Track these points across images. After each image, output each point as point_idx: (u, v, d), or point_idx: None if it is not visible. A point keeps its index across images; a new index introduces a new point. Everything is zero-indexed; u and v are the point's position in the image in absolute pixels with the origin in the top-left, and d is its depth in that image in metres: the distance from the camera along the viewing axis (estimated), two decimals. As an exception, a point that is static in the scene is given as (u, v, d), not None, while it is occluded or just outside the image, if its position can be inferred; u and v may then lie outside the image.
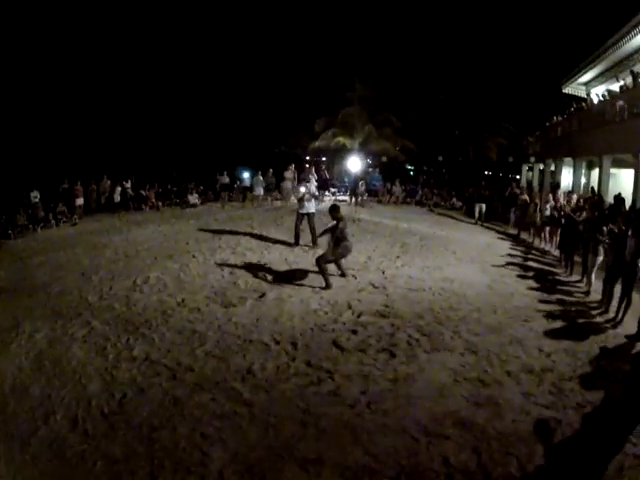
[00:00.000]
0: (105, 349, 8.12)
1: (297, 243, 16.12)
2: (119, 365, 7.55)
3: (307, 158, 47.36)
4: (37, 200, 21.99)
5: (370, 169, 40.73)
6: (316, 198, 16.59)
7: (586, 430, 6.18)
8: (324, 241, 13.67)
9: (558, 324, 10.04)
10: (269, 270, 13.15)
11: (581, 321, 10.39)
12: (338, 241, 12.08)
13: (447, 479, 5.25)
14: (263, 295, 11.11)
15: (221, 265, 13.54)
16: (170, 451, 5.43)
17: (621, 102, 21.44)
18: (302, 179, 26.26)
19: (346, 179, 37.48)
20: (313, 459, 5.41)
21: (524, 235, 21.10)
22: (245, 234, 17.88)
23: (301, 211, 15.87)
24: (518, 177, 43.78)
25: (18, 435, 5.81)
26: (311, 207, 15.94)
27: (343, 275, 12.78)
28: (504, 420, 6.30)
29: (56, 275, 12.54)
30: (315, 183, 29.09)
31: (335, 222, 12.31)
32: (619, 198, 17.65)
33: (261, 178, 29.00)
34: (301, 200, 15.87)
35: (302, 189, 16.06)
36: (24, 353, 7.99)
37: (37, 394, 6.66)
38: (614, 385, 7.46)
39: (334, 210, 12.47)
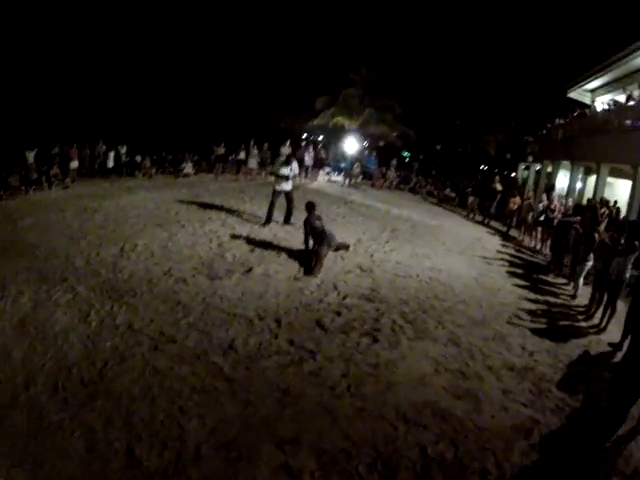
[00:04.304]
0: (89, 316, 8.02)
1: (268, 221, 15.39)
2: (102, 333, 7.48)
3: (304, 136, 47.19)
4: (32, 161, 21.62)
5: (366, 152, 40.69)
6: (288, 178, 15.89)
7: (564, 434, 6.23)
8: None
9: (542, 324, 10.17)
10: (258, 244, 13.09)
11: (565, 324, 10.51)
12: (319, 239, 11.97)
13: (423, 469, 5.27)
14: (250, 270, 11.07)
15: (210, 237, 13.46)
16: (148, 424, 5.41)
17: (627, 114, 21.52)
18: (297, 156, 26.15)
19: (341, 160, 37.40)
20: (290, 439, 5.41)
21: (515, 232, 21.22)
22: (236, 207, 17.79)
23: (277, 188, 15.24)
24: (513, 174, 43.87)
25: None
26: (288, 185, 15.30)
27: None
28: (483, 414, 6.37)
29: (45, 238, 12.32)
30: (309, 161, 29.08)
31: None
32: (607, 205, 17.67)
33: (256, 152, 28.86)
34: (279, 178, 15.27)
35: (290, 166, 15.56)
36: (8, 316, 7.88)
37: (19, 359, 6.56)
38: (594, 391, 7.54)
39: (309, 207, 12.35)
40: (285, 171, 15.07)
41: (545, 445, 5.92)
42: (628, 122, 20.81)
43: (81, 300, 8.62)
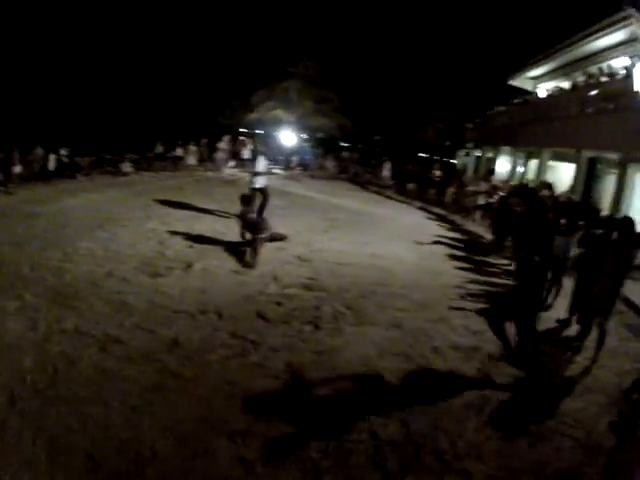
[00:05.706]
0: (37, 322, 7.89)
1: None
2: (51, 338, 7.41)
3: (243, 130, 46.99)
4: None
5: (305, 144, 40.90)
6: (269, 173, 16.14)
7: (516, 409, 6.52)
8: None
9: (486, 304, 10.45)
10: (197, 240, 13.34)
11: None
12: (255, 230, 12.33)
13: (376, 451, 5.42)
14: (190, 265, 11.26)
15: (150, 235, 13.62)
16: (103, 426, 5.43)
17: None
18: (237, 151, 26.38)
19: (279, 152, 37.52)
20: (242, 431, 5.52)
21: (455, 217, 21.63)
22: (175, 204, 18.03)
23: (255, 186, 15.45)
24: (454, 161, 44.54)
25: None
26: (264, 180, 15.65)
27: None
28: (431, 395, 6.58)
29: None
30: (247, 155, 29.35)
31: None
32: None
33: (194, 148, 28.86)
34: (255, 174, 15.53)
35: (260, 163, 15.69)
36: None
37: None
38: (544, 366, 7.86)
39: (244, 199, 13.13)
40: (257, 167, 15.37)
41: (498, 420, 6.16)
42: (573, 108, 21.50)
43: (28, 307, 8.51)
